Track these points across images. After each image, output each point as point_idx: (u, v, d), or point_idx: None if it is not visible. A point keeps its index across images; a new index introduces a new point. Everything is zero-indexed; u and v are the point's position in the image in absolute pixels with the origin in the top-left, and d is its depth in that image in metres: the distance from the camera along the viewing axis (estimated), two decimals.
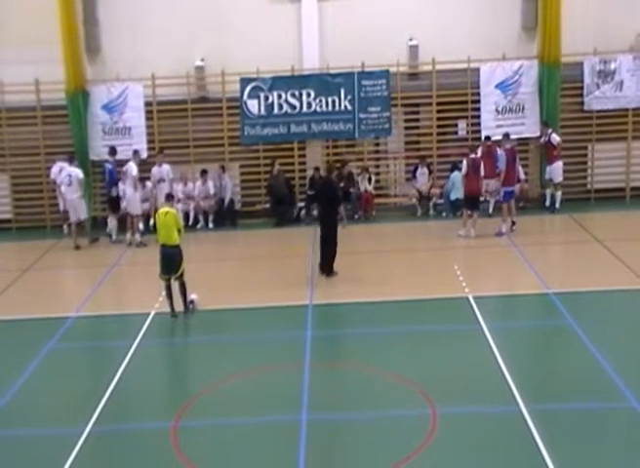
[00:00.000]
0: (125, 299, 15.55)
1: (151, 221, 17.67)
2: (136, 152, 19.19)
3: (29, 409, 10.94)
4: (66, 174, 18.72)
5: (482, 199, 19.21)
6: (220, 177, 20.08)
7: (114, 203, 18.98)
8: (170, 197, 14.84)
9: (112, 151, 19.35)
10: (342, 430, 10.06)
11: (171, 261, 13.88)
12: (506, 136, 18.76)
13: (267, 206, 20.39)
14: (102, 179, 19.71)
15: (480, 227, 18.15)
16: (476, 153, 18.05)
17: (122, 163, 19.09)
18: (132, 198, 18.60)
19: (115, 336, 13.71)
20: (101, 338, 13.92)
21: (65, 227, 19.60)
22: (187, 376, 12.58)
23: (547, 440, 9.36)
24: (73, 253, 18.61)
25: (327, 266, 15.58)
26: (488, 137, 18.69)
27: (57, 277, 17.15)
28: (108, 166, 19.14)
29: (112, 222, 19.04)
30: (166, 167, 19.25)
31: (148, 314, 14.05)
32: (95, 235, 19.06)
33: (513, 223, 18.14)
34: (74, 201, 18.68)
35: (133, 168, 18.73)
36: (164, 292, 14.07)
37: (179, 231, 14.03)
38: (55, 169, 19.26)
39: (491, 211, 19.33)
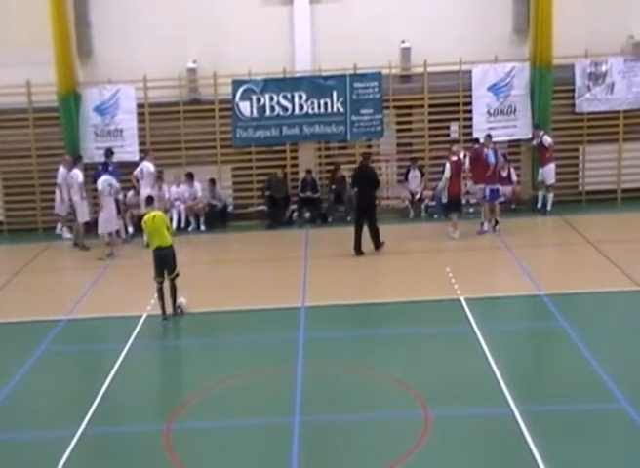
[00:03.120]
0: (117, 302, 15.50)
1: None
2: (147, 152, 19.26)
3: (21, 413, 10.92)
4: (69, 176, 18.87)
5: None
6: (211, 190, 20.06)
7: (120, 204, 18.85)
8: (150, 200, 14.86)
9: (108, 153, 19.25)
10: (335, 432, 10.05)
11: (166, 262, 13.92)
12: (488, 136, 18.94)
13: (260, 208, 20.38)
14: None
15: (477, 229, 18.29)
16: (458, 155, 18.12)
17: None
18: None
19: (107, 339, 13.72)
20: (94, 341, 13.93)
21: (59, 228, 19.67)
22: (180, 379, 12.56)
23: (539, 441, 9.38)
24: (65, 256, 18.60)
25: (376, 242, 17.19)
26: (477, 140, 18.88)
27: (49, 279, 17.09)
28: (111, 168, 18.96)
29: (119, 223, 18.83)
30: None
31: (140, 316, 14.03)
32: (85, 243, 18.76)
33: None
34: (75, 202, 18.75)
35: (150, 167, 18.83)
36: (156, 295, 14.06)
37: (167, 229, 14.07)
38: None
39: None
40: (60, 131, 20.06)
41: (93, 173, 19.37)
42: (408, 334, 13.03)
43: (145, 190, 18.48)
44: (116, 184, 18.20)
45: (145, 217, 14.16)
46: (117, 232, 18.50)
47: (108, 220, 17.93)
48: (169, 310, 14.01)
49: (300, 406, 10.60)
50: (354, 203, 18.01)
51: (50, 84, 19.57)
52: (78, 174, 18.83)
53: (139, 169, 18.93)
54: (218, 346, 13.06)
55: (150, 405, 11.28)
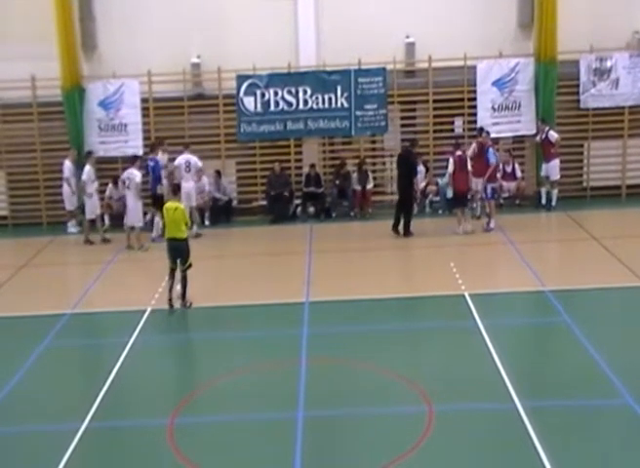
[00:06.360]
0: (122, 296, 15.52)
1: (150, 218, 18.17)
2: (187, 145, 19.27)
3: (26, 406, 10.94)
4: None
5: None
6: (216, 182, 20.06)
7: (158, 200, 17.99)
8: (177, 190, 14.98)
9: (154, 145, 19.16)
10: (339, 427, 10.06)
11: (179, 253, 14.08)
12: (480, 130, 18.86)
13: (264, 202, 20.38)
14: (146, 176, 18.62)
15: (477, 225, 18.24)
16: (462, 150, 18.08)
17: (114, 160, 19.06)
18: (190, 191, 18.60)
19: (112, 333, 13.72)
20: (98, 335, 13.97)
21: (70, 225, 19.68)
22: (184, 373, 12.59)
23: (543, 436, 9.38)
24: (70, 250, 18.62)
25: (406, 229, 17.93)
26: (482, 129, 18.85)
27: (53, 274, 17.11)
28: (151, 163, 18.67)
29: (156, 220, 18.30)
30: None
31: (145, 310, 14.06)
32: (90, 238, 18.69)
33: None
34: (84, 198, 18.71)
35: (197, 161, 18.96)
36: (167, 277, 14.14)
37: (185, 224, 14.20)
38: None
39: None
40: (64, 125, 20.07)
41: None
42: (412, 330, 13.04)
43: (188, 184, 18.63)
44: (134, 178, 17.99)
45: (167, 205, 14.31)
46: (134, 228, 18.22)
47: (129, 213, 18.12)
48: (176, 303, 14.10)
49: (303, 400, 10.60)
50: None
51: (54, 78, 19.58)
52: (87, 169, 18.67)
53: (181, 161, 18.91)
54: (221, 341, 13.06)
55: (154, 399, 11.26)
